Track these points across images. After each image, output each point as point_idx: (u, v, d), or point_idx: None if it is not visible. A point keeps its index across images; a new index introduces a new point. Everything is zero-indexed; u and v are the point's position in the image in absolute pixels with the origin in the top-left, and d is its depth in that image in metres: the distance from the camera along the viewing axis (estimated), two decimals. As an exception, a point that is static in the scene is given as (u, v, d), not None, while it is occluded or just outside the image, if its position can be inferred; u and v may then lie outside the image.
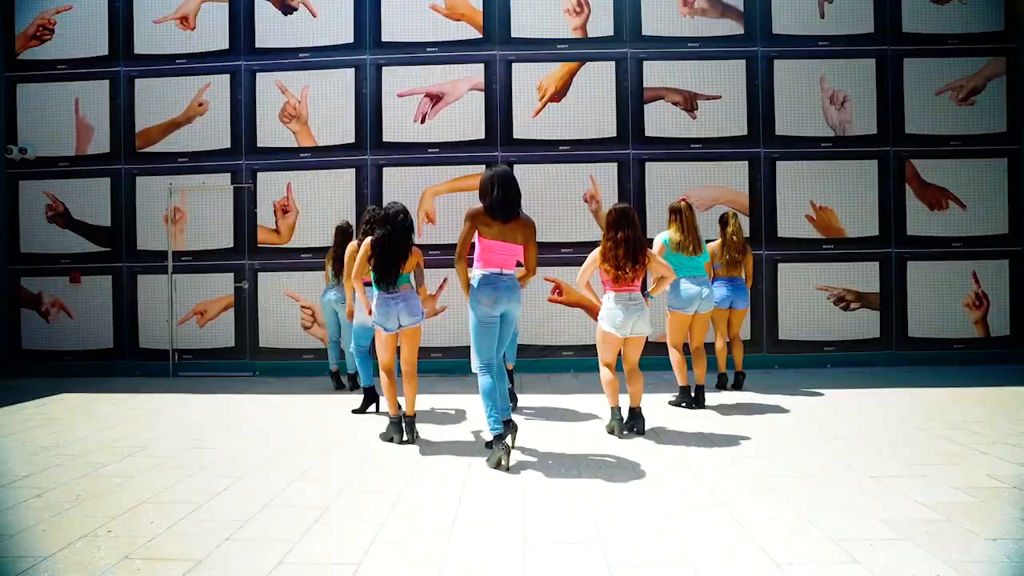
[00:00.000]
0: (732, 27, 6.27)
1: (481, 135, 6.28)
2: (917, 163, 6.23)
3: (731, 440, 3.61)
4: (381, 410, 4.51)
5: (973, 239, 6.17)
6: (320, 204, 6.34)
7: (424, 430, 3.94)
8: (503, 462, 3.10)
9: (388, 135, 6.33)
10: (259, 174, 6.40)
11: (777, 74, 6.27)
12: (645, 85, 6.28)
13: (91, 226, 6.51)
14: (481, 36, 6.31)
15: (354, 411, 4.52)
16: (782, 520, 2.41)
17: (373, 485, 2.94)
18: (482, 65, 6.31)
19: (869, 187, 6.24)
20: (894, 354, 6.15)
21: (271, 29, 6.41)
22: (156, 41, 6.48)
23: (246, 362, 6.35)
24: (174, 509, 2.60)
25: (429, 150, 6.30)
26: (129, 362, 6.43)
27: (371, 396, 4.52)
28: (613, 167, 6.26)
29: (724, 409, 4.42)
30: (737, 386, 5.06)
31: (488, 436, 3.39)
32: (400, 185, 6.27)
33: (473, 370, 3.26)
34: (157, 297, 6.45)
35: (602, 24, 6.28)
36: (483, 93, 6.29)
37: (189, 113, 6.46)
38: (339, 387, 5.43)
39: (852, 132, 6.25)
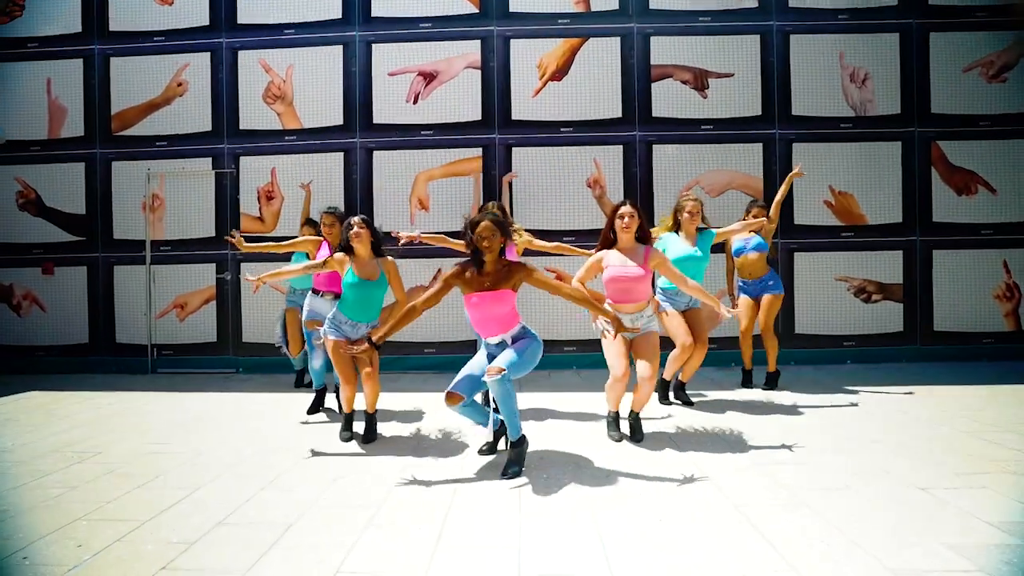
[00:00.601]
0: (745, 0, 5.85)
1: (477, 116, 5.89)
2: (944, 145, 5.82)
3: (751, 444, 3.23)
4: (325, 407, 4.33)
5: (1004, 226, 5.76)
6: (306, 190, 5.95)
7: (413, 430, 3.57)
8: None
9: (378, 116, 5.94)
10: (242, 158, 6.02)
11: (793, 50, 5.85)
12: (652, 62, 5.87)
13: (65, 214, 6.14)
14: (477, 11, 5.90)
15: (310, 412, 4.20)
16: (825, 544, 2.03)
17: (349, 497, 2.57)
18: (479, 42, 5.91)
19: (892, 171, 5.83)
20: (919, 349, 5.75)
21: (254, 4, 6.00)
22: (132, 17, 6.09)
23: (229, 358, 5.98)
24: (110, 528, 2.24)
25: (422, 132, 5.91)
26: (106, 358, 6.07)
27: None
28: (618, 150, 5.86)
29: (738, 408, 4.05)
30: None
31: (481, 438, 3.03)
32: (391, 169, 5.89)
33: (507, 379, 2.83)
34: (135, 289, 6.08)
35: (606, -3, 5.87)
36: (479, 71, 5.90)
37: (168, 94, 6.07)
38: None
39: (874, 112, 5.83)
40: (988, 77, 5.80)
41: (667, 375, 4.20)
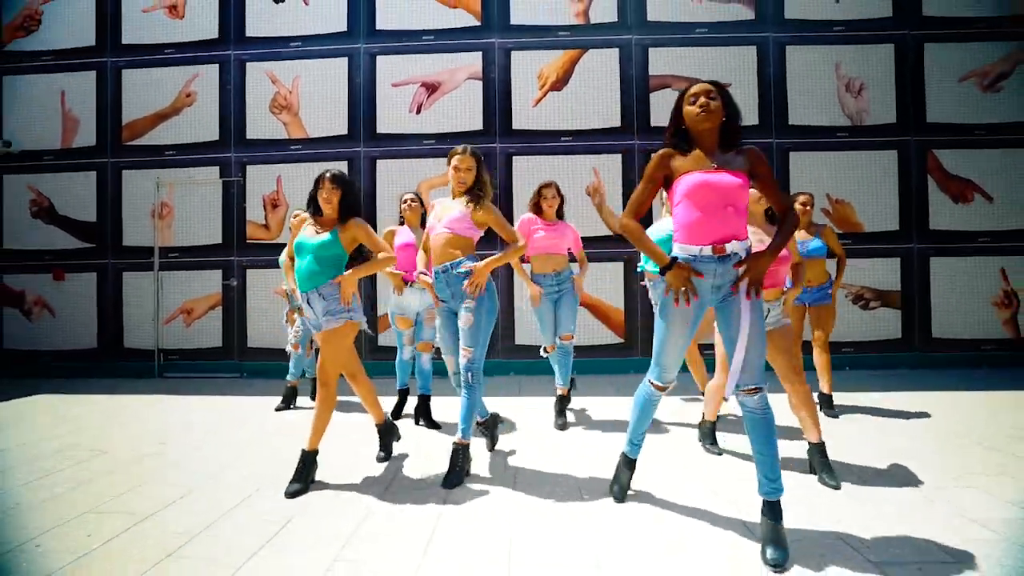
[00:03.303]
0: (742, 12, 5.97)
1: (479, 126, 6.01)
2: (940, 153, 5.88)
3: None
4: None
5: (1001, 233, 5.80)
6: (311, 198, 6.07)
7: (395, 450, 3.59)
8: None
9: (382, 126, 6.08)
10: (248, 167, 6.16)
11: (790, 61, 5.96)
12: (650, 73, 5.99)
13: (76, 221, 6.29)
14: (479, 23, 6.05)
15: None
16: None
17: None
18: (480, 53, 6.05)
19: (889, 179, 5.90)
20: (917, 356, 5.78)
21: (262, 18, 6.19)
22: (144, 31, 6.28)
23: (233, 363, 6.08)
24: (118, 520, 2.31)
25: (424, 142, 6.04)
26: (113, 363, 6.18)
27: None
28: (617, 158, 5.96)
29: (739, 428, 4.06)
30: None
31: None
32: (394, 178, 6.01)
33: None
34: (143, 295, 6.21)
35: (605, 10, 6.00)
36: (481, 82, 6.03)
37: (177, 104, 6.24)
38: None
39: (870, 121, 5.92)
40: (983, 87, 5.87)
41: (711, 415, 3.27)
